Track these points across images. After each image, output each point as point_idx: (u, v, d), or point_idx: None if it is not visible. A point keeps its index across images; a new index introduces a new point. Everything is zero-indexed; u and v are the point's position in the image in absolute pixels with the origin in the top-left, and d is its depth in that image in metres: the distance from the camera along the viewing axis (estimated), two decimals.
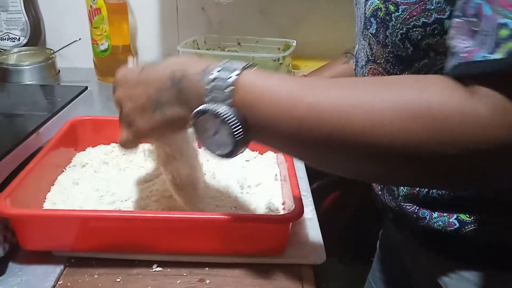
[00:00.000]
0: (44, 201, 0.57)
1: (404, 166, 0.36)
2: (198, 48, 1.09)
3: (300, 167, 0.71)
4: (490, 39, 0.33)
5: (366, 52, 0.52)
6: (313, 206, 0.62)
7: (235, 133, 0.39)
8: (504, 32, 0.32)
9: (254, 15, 1.17)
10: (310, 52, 1.14)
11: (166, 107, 0.44)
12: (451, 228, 0.51)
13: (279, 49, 1.08)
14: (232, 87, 0.40)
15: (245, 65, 0.41)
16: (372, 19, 0.47)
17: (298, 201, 0.51)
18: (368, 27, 0.48)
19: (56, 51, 1.04)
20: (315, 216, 0.60)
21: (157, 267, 0.51)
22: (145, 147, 0.69)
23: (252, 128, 0.40)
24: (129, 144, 0.48)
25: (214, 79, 0.40)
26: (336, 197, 1.38)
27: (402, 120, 0.34)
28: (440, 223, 0.52)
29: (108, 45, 1.04)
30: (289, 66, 1.03)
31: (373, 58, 0.51)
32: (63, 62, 1.12)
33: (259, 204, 0.59)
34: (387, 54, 0.48)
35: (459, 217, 0.51)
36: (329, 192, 1.38)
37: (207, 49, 1.09)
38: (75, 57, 1.17)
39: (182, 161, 0.53)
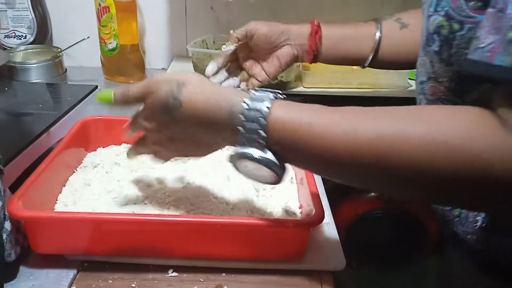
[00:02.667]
0: (56, 203, 0.56)
1: (444, 194, 0.39)
2: (207, 48, 1.07)
3: None
4: (506, 40, 0.34)
5: (427, 69, 0.50)
6: (330, 211, 0.61)
7: (275, 172, 0.43)
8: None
9: (263, 15, 1.16)
10: None
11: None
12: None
13: None
14: (264, 130, 0.41)
15: (270, 103, 0.42)
16: (435, 36, 0.46)
17: (318, 205, 0.50)
18: (431, 43, 0.47)
19: (64, 50, 1.02)
20: (332, 220, 0.59)
21: (172, 272, 0.50)
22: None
23: (291, 161, 0.44)
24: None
25: (246, 119, 0.42)
26: (342, 201, 1.37)
27: (443, 157, 0.36)
28: None
29: (117, 44, 1.03)
30: (299, 67, 1.02)
31: (434, 76, 0.49)
32: (69, 61, 1.10)
33: (276, 207, 0.57)
34: (452, 73, 0.46)
35: None
36: (337, 196, 1.37)
37: (216, 49, 1.08)
38: (82, 56, 1.16)
39: None
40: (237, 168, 0.45)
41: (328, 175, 0.44)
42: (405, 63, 0.73)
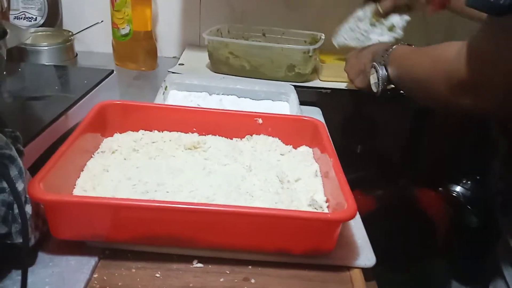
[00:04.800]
0: (74, 187, 0.54)
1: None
2: (222, 37, 1.05)
3: None
4: None
5: None
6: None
7: (378, 82, 0.78)
8: None
9: (279, 7, 1.14)
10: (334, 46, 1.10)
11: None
12: None
13: (305, 42, 1.05)
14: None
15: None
16: None
17: (351, 199, 0.48)
18: None
19: (76, 33, 1.00)
20: (359, 215, 0.57)
21: (197, 263, 0.48)
22: (172, 136, 0.67)
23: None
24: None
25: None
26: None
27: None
28: None
29: (130, 29, 1.01)
30: (317, 60, 1.00)
31: None
32: (79, 45, 1.08)
33: (301, 200, 0.56)
34: None
35: None
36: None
37: (231, 38, 1.06)
38: (92, 41, 1.14)
39: None
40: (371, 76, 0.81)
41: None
42: None
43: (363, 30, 0.93)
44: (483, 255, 1.00)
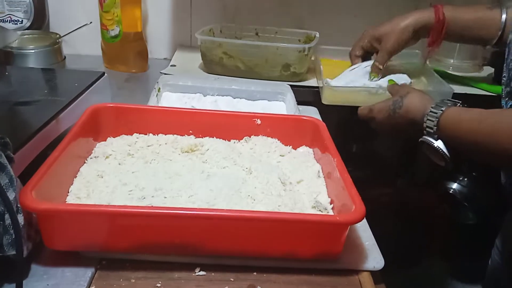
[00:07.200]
0: (67, 195, 0.51)
1: None
2: (214, 37, 1.03)
3: None
4: None
5: None
6: None
7: (444, 156, 0.63)
8: None
9: (272, 4, 1.12)
10: (328, 44, 1.08)
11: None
12: None
13: (299, 40, 1.03)
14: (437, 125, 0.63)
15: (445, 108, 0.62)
16: None
17: (359, 201, 0.46)
18: None
19: (64, 36, 0.97)
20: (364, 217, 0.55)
21: (199, 270, 0.46)
22: (168, 139, 0.64)
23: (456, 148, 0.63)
24: None
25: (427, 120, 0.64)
26: None
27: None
28: None
29: (119, 30, 0.98)
30: (312, 58, 0.99)
31: None
32: (67, 48, 1.05)
33: (304, 202, 0.54)
34: None
35: None
36: None
37: (224, 37, 1.04)
38: (81, 43, 1.11)
39: None
40: (424, 151, 0.66)
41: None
42: None
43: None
44: (481, 253, 0.99)
